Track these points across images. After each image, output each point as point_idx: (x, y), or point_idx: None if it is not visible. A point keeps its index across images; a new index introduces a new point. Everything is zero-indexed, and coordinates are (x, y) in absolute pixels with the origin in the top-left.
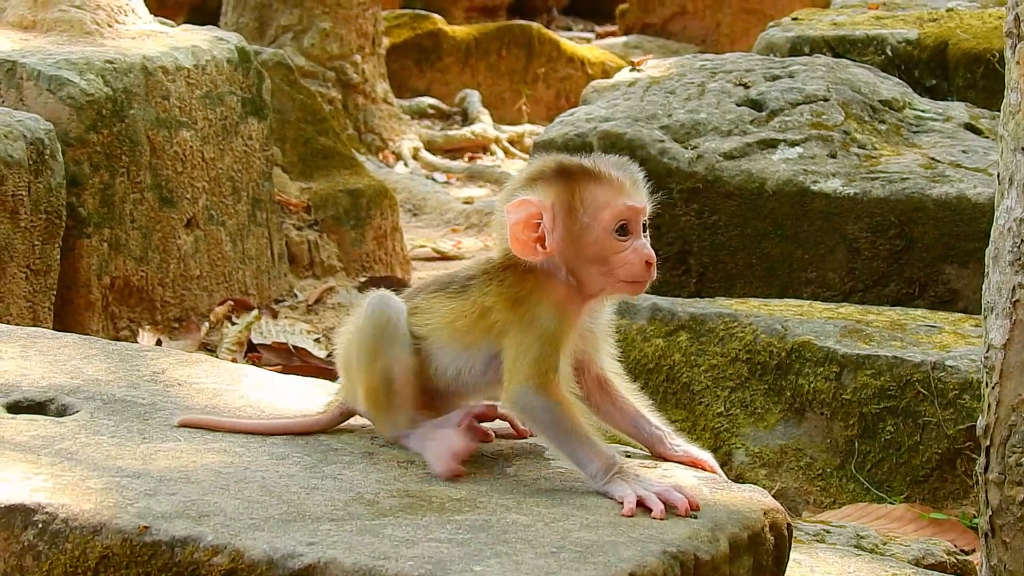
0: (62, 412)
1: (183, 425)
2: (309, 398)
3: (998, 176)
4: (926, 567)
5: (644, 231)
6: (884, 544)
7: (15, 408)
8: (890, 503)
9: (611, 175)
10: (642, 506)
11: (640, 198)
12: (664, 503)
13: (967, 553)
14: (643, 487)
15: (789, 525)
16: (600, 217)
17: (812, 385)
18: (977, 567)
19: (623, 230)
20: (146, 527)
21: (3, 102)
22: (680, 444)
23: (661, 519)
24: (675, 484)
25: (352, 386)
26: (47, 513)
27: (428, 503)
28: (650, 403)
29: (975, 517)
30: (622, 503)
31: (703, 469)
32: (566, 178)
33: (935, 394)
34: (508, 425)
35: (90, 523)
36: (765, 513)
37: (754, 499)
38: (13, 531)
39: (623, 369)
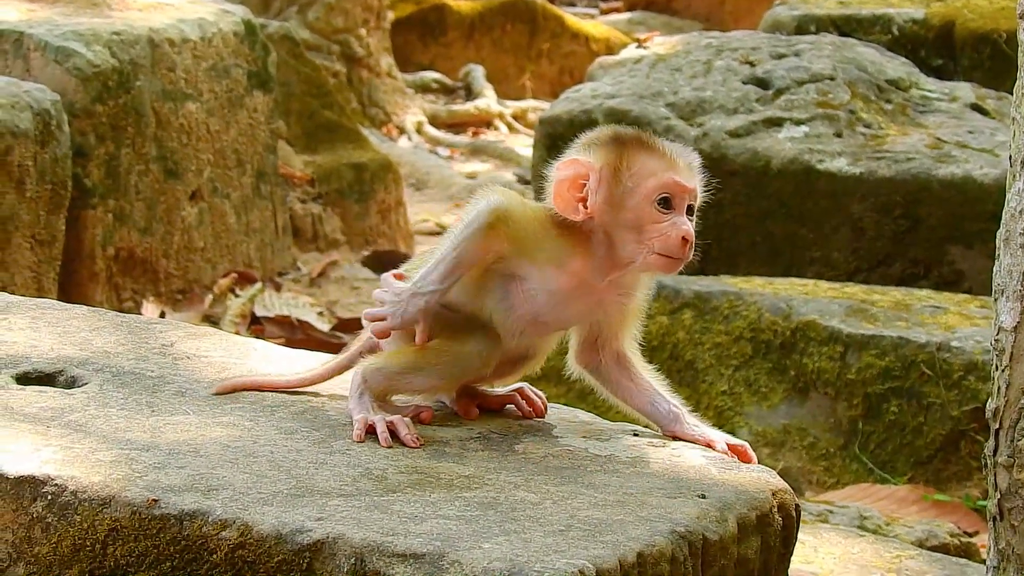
0: (71, 384)
1: (219, 393)
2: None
3: (1010, 158)
4: (929, 548)
5: (690, 214)
6: (887, 525)
7: (24, 379)
8: (893, 484)
9: (664, 149)
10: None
11: (690, 179)
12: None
13: (970, 535)
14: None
15: (797, 506)
16: (644, 185)
17: (816, 365)
18: (981, 549)
19: (666, 203)
20: (155, 500)
21: (10, 72)
22: (697, 425)
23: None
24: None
25: None
26: (56, 485)
27: (437, 480)
28: (667, 383)
29: (979, 499)
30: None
31: (713, 450)
32: (619, 144)
33: (940, 375)
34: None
35: (99, 495)
36: (773, 494)
37: (762, 479)
38: (22, 503)
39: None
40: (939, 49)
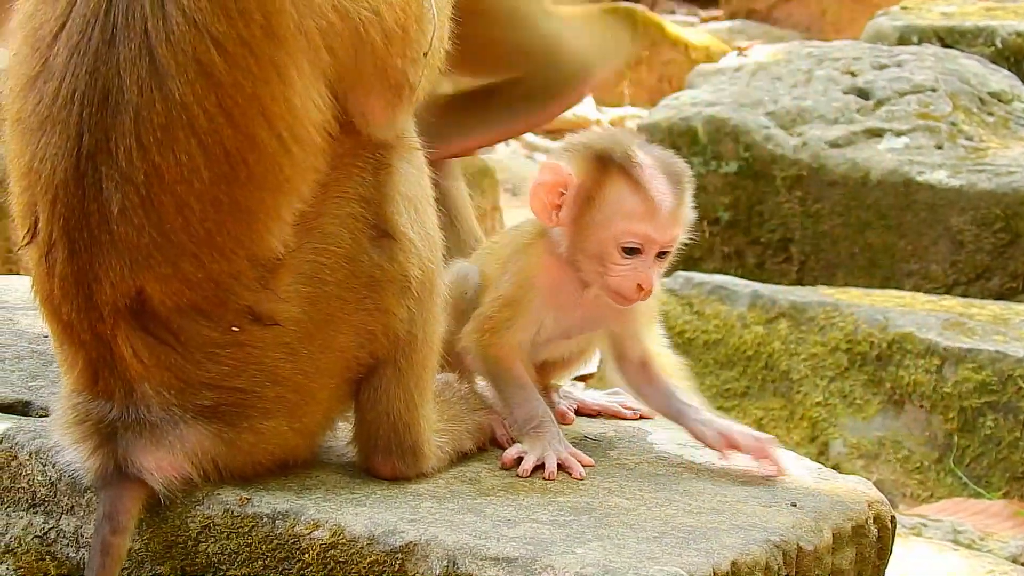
0: None
1: None
2: None
3: None
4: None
5: (662, 258)
6: (982, 539)
7: None
8: (988, 499)
9: (648, 188)
10: (539, 468)
11: (666, 229)
12: (561, 465)
13: None
14: (554, 447)
15: (893, 518)
16: (613, 226)
17: (912, 377)
18: None
19: (631, 251)
20: (247, 499)
21: None
22: (703, 421)
23: (548, 479)
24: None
25: None
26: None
27: (530, 484)
28: (689, 382)
29: None
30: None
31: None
32: (601, 166)
33: None
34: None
35: (192, 493)
36: (869, 505)
37: (858, 491)
38: None
39: (673, 345)
40: None
